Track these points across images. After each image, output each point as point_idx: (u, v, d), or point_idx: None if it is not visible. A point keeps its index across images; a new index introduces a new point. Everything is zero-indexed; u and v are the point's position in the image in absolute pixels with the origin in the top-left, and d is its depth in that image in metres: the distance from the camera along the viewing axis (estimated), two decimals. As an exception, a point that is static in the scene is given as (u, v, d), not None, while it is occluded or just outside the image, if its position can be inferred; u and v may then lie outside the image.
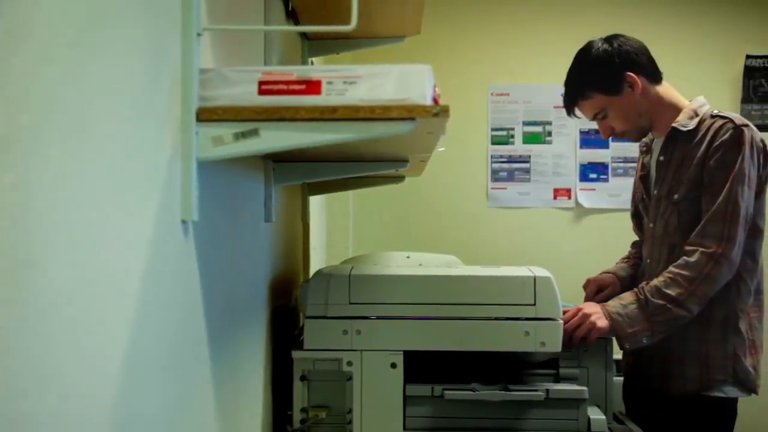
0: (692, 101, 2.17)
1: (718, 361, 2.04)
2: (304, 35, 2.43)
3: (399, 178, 2.50)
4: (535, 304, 1.75)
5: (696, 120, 2.10)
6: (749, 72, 3.78)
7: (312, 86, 1.02)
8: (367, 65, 1.04)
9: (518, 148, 3.83)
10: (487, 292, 1.76)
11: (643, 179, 2.30)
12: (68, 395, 0.65)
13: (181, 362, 1.02)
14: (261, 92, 1.03)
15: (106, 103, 0.76)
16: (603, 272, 2.34)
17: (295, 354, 1.78)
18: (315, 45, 2.51)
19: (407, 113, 1.00)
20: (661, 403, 2.12)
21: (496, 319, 1.75)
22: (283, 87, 1.03)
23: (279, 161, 1.74)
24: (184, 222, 1.01)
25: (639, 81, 2.13)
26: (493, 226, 3.85)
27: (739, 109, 3.81)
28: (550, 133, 3.81)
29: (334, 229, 3.66)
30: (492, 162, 3.84)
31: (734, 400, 2.09)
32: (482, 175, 3.85)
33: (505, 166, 3.83)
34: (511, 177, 3.82)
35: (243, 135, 1.01)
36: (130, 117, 0.83)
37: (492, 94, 3.83)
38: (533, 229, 3.83)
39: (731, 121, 2.03)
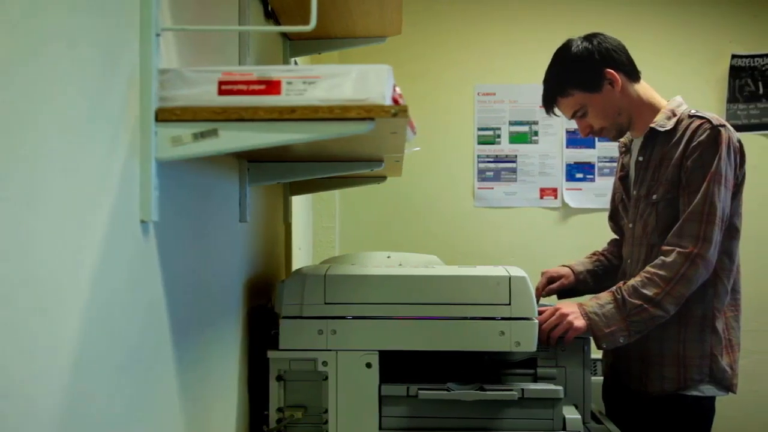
0: (670, 101, 2.17)
1: (695, 361, 2.05)
2: (285, 35, 2.43)
3: (380, 179, 2.50)
4: (510, 304, 1.75)
5: (674, 120, 2.10)
6: (735, 71, 3.79)
7: (272, 86, 1.02)
8: (327, 65, 1.04)
9: (504, 147, 3.83)
10: (462, 292, 1.76)
11: (622, 180, 2.31)
12: (7, 395, 0.66)
13: (140, 362, 1.02)
14: (221, 92, 1.03)
15: (50, 101, 0.76)
16: (561, 265, 2.36)
17: (271, 354, 1.78)
18: (297, 45, 2.51)
19: (366, 113, 1.00)
20: (639, 403, 2.13)
21: (472, 318, 1.75)
22: (243, 87, 1.03)
23: (254, 161, 1.74)
24: (143, 222, 1.01)
25: (619, 78, 2.13)
26: (480, 225, 3.85)
27: (724, 108, 3.81)
28: (536, 133, 3.81)
29: (320, 229, 3.66)
30: (478, 162, 3.84)
31: (712, 399, 2.10)
32: (469, 175, 3.85)
33: (492, 166, 3.83)
34: (497, 177, 3.82)
35: (202, 135, 1.01)
36: (78, 115, 0.83)
37: (478, 94, 3.83)
38: (520, 228, 3.83)
39: (708, 121, 2.03)
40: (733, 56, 3.78)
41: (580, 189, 3.79)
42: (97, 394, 0.87)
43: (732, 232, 2.08)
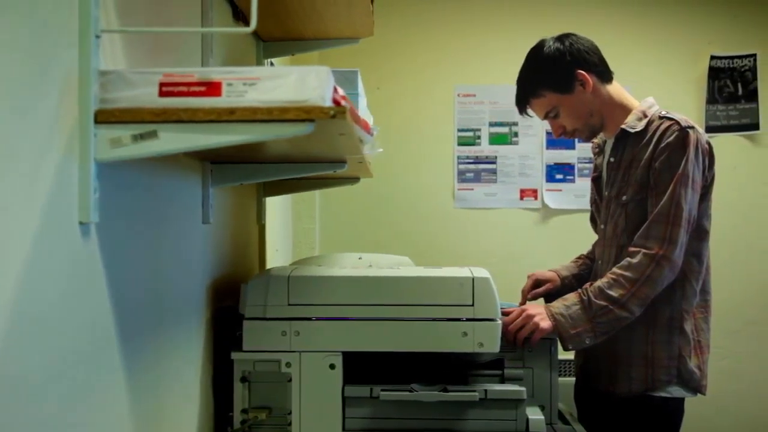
0: (642, 102, 2.17)
1: (662, 362, 2.05)
2: (259, 37, 2.43)
3: (353, 180, 2.50)
4: (473, 305, 1.75)
5: (644, 121, 2.10)
6: (714, 73, 3.80)
7: (212, 88, 1.02)
8: (267, 67, 1.04)
9: (484, 149, 3.83)
10: (425, 293, 1.76)
11: (595, 181, 2.31)
12: None
13: (77, 366, 1.01)
14: (162, 94, 1.03)
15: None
16: (549, 270, 2.36)
17: (235, 355, 1.79)
18: (270, 47, 2.50)
19: (305, 114, 1.00)
20: (608, 404, 2.13)
21: (435, 319, 1.75)
22: (184, 89, 1.03)
23: (217, 163, 1.74)
24: (82, 223, 1.00)
25: (590, 79, 2.13)
26: (460, 227, 3.85)
27: (704, 109, 3.82)
28: (516, 134, 3.82)
29: (300, 230, 3.66)
30: (458, 163, 3.84)
31: (680, 401, 2.10)
32: (449, 176, 3.86)
33: (472, 167, 3.83)
34: (477, 178, 3.83)
35: (141, 137, 1.01)
36: (5, 117, 0.83)
37: (458, 95, 3.83)
38: (500, 229, 3.84)
39: (677, 122, 2.03)
40: (712, 57, 3.79)
41: (560, 190, 3.80)
42: (26, 400, 0.87)
43: (701, 233, 2.08)
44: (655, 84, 3.81)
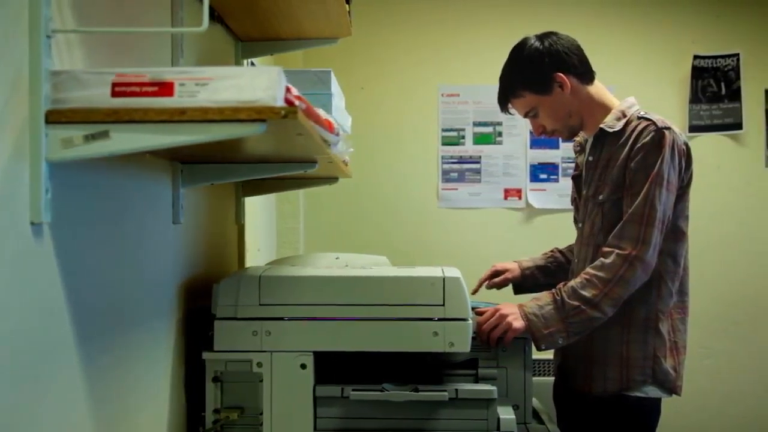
0: (622, 102, 2.17)
1: (638, 362, 2.05)
2: (237, 37, 2.43)
3: (331, 180, 2.50)
4: (444, 305, 1.75)
5: (623, 121, 2.10)
6: (697, 72, 3.80)
7: (164, 88, 1.02)
8: (220, 67, 1.04)
9: (469, 148, 3.84)
10: (397, 293, 1.76)
11: (575, 179, 2.32)
12: None
13: (29, 369, 1.01)
14: (114, 94, 1.03)
15: None
16: (513, 261, 2.42)
17: (206, 355, 1.78)
18: (249, 47, 2.50)
19: (256, 115, 1.00)
20: (584, 403, 2.13)
21: (406, 319, 1.76)
22: (136, 89, 1.03)
23: (188, 163, 1.74)
24: (33, 224, 1.00)
25: (568, 81, 2.13)
26: (444, 226, 3.85)
27: (687, 109, 3.82)
28: (500, 134, 3.82)
29: (284, 230, 3.65)
30: (443, 163, 3.84)
31: (656, 401, 2.10)
32: (433, 175, 3.86)
33: (456, 166, 3.83)
34: (461, 178, 3.83)
35: (93, 137, 1.01)
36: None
37: (442, 95, 3.83)
38: (484, 229, 3.84)
39: (653, 123, 2.03)
40: (695, 57, 3.79)
41: (544, 190, 3.80)
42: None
43: (677, 234, 2.08)
44: (639, 83, 3.82)
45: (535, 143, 3.80)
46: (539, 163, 3.79)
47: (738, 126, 3.80)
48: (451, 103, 3.81)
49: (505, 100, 2.20)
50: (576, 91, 2.14)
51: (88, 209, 1.23)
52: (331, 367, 1.83)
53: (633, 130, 2.05)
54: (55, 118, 1.01)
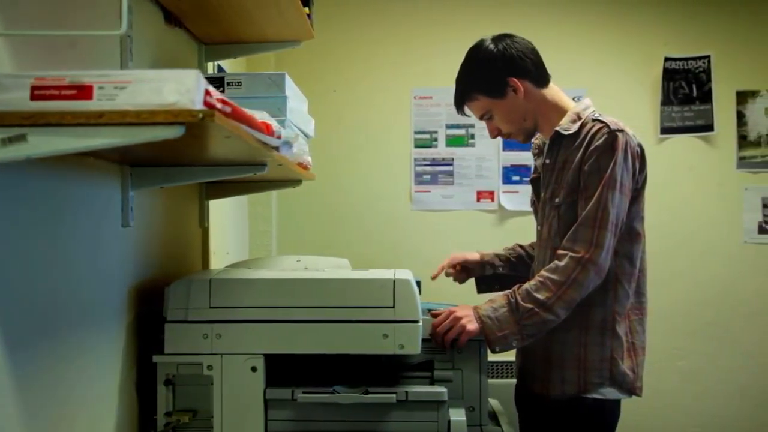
0: (577, 104, 2.17)
1: (595, 364, 2.05)
2: (199, 40, 2.43)
3: (294, 182, 2.50)
4: (394, 307, 1.76)
5: (578, 123, 2.10)
6: (668, 74, 3.81)
7: (84, 91, 1.02)
8: (140, 70, 1.04)
9: (441, 151, 3.84)
10: (347, 295, 1.77)
11: (534, 182, 2.32)
12: None
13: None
14: (33, 98, 1.03)
15: None
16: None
17: (157, 358, 1.79)
18: (212, 50, 2.51)
19: (173, 118, 1.00)
20: (544, 406, 2.13)
21: (356, 321, 1.76)
22: (55, 92, 1.03)
23: (136, 166, 1.74)
24: (-49, 227, 1.00)
25: (521, 85, 2.13)
26: (417, 228, 3.85)
27: (658, 111, 3.84)
28: (473, 136, 3.82)
29: (257, 233, 3.66)
30: (415, 165, 3.85)
31: (615, 402, 2.10)
32: (405, 178, 3.86)
33: (429, 169, 3.84)
34: (434, 180, 3.83)
35: (10, 140, 1.01)
36: None
37: (415, 97, 3.84)
38: (457, 231, 3.84)
39: (606, 125, 2.03)
40: (667, 59, 3.80)
41: (517, 192, 3.81)
42: None
43: (632, 236, 2.08)
44: (610, 85, 3.84)
45: (507, 145, 3.80)
46: (512, 165, 3.80)
47: (709, 128, 3.81)
48: (423, 106, 3.81)
49: (460, 102, 2.21)
50: (530, 95, 2.15)
51: (20, 213, 1.23)
52: (293, 370, 1.84)
53: (587, 133, 2.05)
54: (-27, 121, 1.00)
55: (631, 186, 2.04)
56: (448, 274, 2.46)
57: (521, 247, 2.47)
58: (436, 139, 3.83)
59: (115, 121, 1.01)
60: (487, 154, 3.83)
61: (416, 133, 3.85)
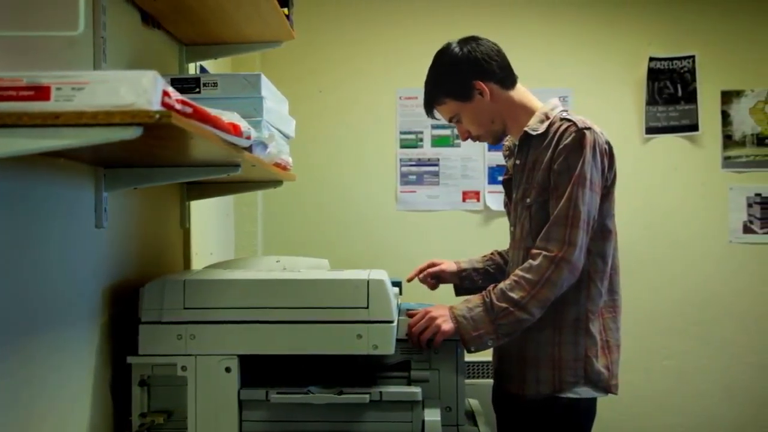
0: (545, 104, 2.18)
1: (569, 363, 2.05)
2: (180, 41, 2.43)
3: (275, 183, 2.51)
4: (368, 307, 1.76)
5: (546, 123, 2.11)
6: (653, 74, 3.82)
7: (41, 92, 1.02)
8: (99, 71, 1.04)
9: (427, 151, 3.84)
10: (321, 296, 1.77)
11: (506, 183, 2.33)
12: None
13: None
14: (-9, 99, 1.03)
15: None
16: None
17: (131, 359, 1.79)
18: (193, 51, 2.51)
19: (130, 119, 1.00)
20: (520, 406, 2.13)
21: (330, 322, 1.76)
22: (13, 93, 1.03)
23: (110, 167, 1.74)
24: None
25: (487, 88, 2.14)
26: (403, 229, 3.86)
27: (643, 111, 3.84)
28: (458, 136, 3.81)
29: (243, 234, 3.66)
30: (401, 165, 3.85)
31: (590, 401, 2.10)
32: (391, 178, 3.86)
33: (414, 169, 3.84)
34: (420, 180, 3.84)
35: (-35, 142, 1.01)
36: None
37: (400, 98, 3.84)
38: (442, 231, 3.84)
39: (574, 124, 2.04)
40: (651, 59, 3.81)
41: (503, 192, 3.78)
42: None
43: (604, 233, 2.09)
44: (595, 85, 3.84)
45: (492, 146, 3.80)
46: (497, 165, 3.80)
47: (694, 127, 3.82)
48: (409, 106, 3.81)
49: (429, 105, 2.22)
50: (497, 97, 2.16)
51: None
52: (272, 370, 1.84)
53: (555, 132, 2.06)
54: (-71, 123, 1.00)
55: (601, 183, 2.05)
56: (422, 281, 2.46)
57: (499, 254, 2.47)
58: (421, 140, 3.84)
59: (72, 122, 1.00)
60: (472, 154, 3.84)
61: (402, 133, 3.85)
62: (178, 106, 1.07)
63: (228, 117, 1.38)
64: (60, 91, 1.02)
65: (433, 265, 2.45)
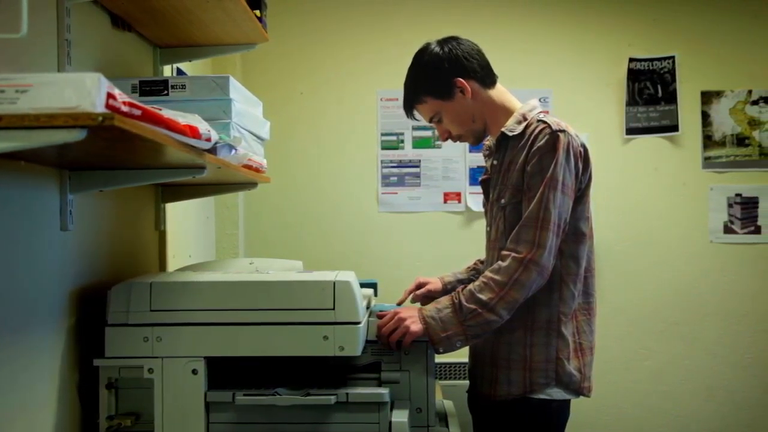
0: (523, 105, 2.18)
1: (540, 365, 2.05)
2: (154, 44, 2.43)
3: (250, 185, 2.51)
4: (334, 308, 1.76)
5: (523, 124, 2.11)
6: (633, 75, 3.83)
7: (-16, 95, 1.02)
8: (42, 74, 1.04)
9: (408, 152, 3.85)
10: (288, 298, 1.77)
11: (483, 183, 2.33)
12: None
13: None
14: (-67, 102, 1.03)
15: None
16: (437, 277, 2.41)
17: (98, 362, 1.79)
18: (167, 53, 2.51)
19: (72, 121, 1.00)
20: (492, 407, 2.13)
21: (296, 324, 1.76)
22: (-44, 96, 1.03)
23: (76, 169, 1.74)
24: None
25: (469, 86, 2.14)
26: (385, 230, 3.86)
27: (624, 111, 3.85)
28: (439, 138, 3.83)
29: (223, 236, 3.65)
30: (382, 167, 3.85)
31: (562, 402, 2.10)
32: (372, 180, 3.87)
33: (396, 171, 3.84)
34: (401, 182, 3.84)
35: None
36: None
37: (381, 99, 3.85)
38: (424, 233, 3.85)
39: (549, 126, 2.04)
40: (631, 60, 3.82)
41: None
42: None
43: (578, 236, 2.09)
44: (575, 86, 3.85)
45: (473, 147, 3.80)
46: (478, 167, 3.80)
47: (674, 128, 3.83)
48: (390, 108, 3.82)
49: (409, 105, 2.22)
50: (478, 96, 2.16)
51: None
52: (243, 373, 1.84)
53: (531, 133, 2.06)
54: None
55: (574, 186, 2.04)
56: (413, 301, 2.42)
57: (482, 262, 2.45)
58: (402, 141, 3.84)
59: (15, 125, 1.01)
60: (453, 155, 3.84)
61: (383, 135, 3.86)
62: (124, 108, 1.07)
63: (188, 119, 1.38)
64: (3, 93, 1.02)
65: (421, 285, 2.41)
